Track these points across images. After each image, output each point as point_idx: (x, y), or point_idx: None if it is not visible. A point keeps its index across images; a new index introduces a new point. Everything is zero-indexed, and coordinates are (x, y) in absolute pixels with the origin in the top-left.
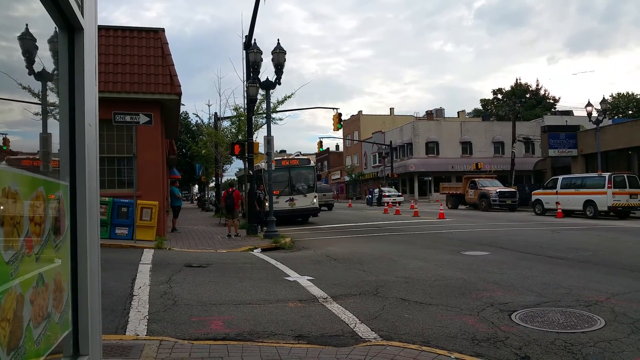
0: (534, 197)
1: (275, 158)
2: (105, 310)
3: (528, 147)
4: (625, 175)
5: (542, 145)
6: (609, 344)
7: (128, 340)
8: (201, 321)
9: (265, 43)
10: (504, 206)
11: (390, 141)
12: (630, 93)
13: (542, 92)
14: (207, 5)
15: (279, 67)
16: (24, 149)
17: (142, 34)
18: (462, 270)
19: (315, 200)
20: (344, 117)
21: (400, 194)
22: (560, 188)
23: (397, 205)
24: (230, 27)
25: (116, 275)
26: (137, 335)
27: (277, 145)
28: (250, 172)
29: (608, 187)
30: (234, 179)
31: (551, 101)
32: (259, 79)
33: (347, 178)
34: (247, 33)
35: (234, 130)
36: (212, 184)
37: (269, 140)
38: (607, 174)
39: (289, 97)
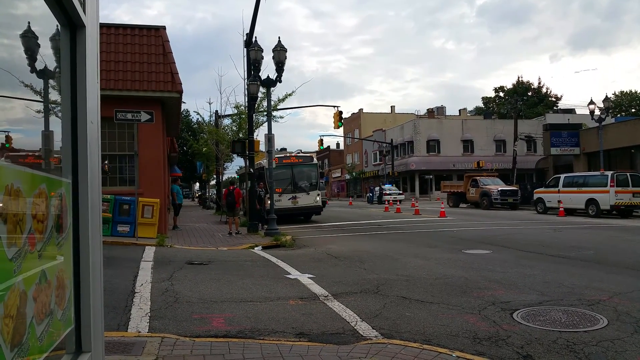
0: (535, 196)
1: (277, 156)
2: (107, 307)
3: (530, 145)
4: (628, 174)
5: (544, 143)
6: (611, 343)
7: (130, 337)
8: (202, 318)
9: (266, 41)
10: (506, 205)
11: (391, 139)
12: (633, 91)
13: (544, 90)
14: (208, 3)
15: (279, 65)
16: (26, 147)
17: (144, 32)
18: (464, 268)
19: (318, 198)
20: (344, 115)
21: (401, 192)
22: (563, 186)
23: (398, 203)
24: (231, 25)
25: (118, 273)
26: (139, 332)
27: (278, 143)
28: (251, 170)
29: (610, 186)
30: (234, 177)
31: (553, 99)
32: (259, 77)
33: (347, 176)
34: (248, 31)
35: (234, 128)
36: (213, 182)
37: (269, 138)
38: (609, 173)
39: (290, 95)
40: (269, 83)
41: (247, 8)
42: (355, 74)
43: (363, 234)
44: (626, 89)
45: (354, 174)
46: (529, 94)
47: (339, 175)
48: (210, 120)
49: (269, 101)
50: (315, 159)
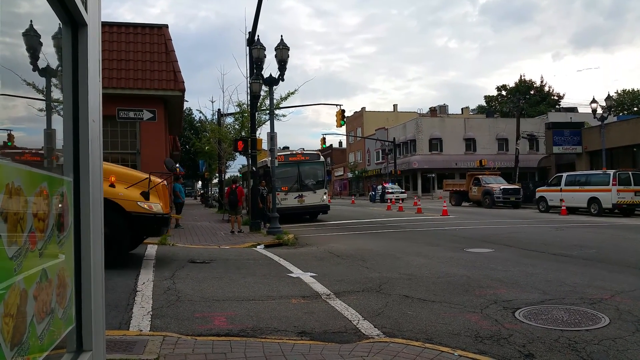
0: (538, 194)
1: (284, 153)
2: (108, 305)
3: (532, 144)
4: (630, 173)
5: (546, 142)
6: (613, 342)
7: (132, 335)
8: (204, 317)
9: (268, 39)
10: (508, 203)
11: (394, 138)
12: (635, 90)
13: (546, 88)
14: (211, 1)
15: (282, 64)
16: (28, 145)
17: (146, 31)
18: (466, 267)
19: (325, 197)
20: (347, 114)
21: (403, 190)
22: (565, 185)
23: (401, 202)
24: (234, 24)
25: (120, 271)
26: (141, 330)
27: (280, 142)
28: (254, 168)
29: (613, 185)
30: (237, 175)
31: (556, 98)
32: (262, 76)
33: (350, 175)
34: (250, 29)
35: (237, 126)
36: (215, 180)
37: (272, 136)
38: (611, 171)
39: (292, 93)
40: (272, 81)
41: (250, 6)
42: (358, 72)
43: (365, 232)
44: (629, 87)
45: (356, 172)
46: (532, 92)
47: (342, 173)
48: (213, 119)
49: (271, 100)
50: (322, 157)
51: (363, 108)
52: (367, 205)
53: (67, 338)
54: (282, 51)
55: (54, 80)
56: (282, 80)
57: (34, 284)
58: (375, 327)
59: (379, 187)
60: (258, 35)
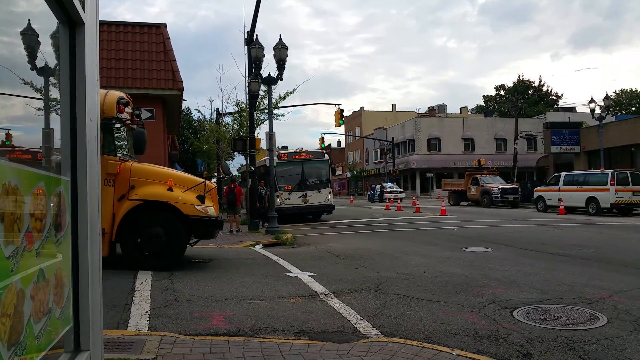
0: (536, 194)
1: (287, 151)
2: (106, 305)
3: (530, 143)
4: (628, 172)
5: (544, 141)
6: (611, 342)
7: (130, 335)
8: (202, 317)
9: (267, 39)
10: (506, 203)
11: (392, 137)
12: (633, 90)
13: (545, 88)
14: (210, 1)
15: (280, 63)
16: (26, 144)
17: (144, 30)
18: (464, 266)
19: (330, 197)
20: (346, 113)
21: (402, 190)
22: (563, 185)
23: (399, 201)
24: (233, 23)
25: (118, 271)
26: (139, 330)
27: (279, 141)
28: (252, 168)
29: (611, 184)
30: (236, 175)
31: (554, 98)
32: (260, 75)
33: (348, 174)
34: (249, 29)
35: (235, 126)
36: (213, 180)
37: (270, 136)
38: (609, 171)
39: (291, 93)
40: (270, 81)
41: (249, 6)
42: (357, 72)
43: (364, 232)
44: (627, 87)
45: (355, 172)
46: (530, 92)
47: (340, 173)
48: (212, 118)
49: (270, 99)
50: (327, 155)
51: (362, 108)
52: (365, 205)
53: (64, 338)
54: (281, 50)
55: (51, 79)
56: (281, 79)
57: (31, 283)
58: (373, 327)
59: (378, 186)
60: (257, 35)
